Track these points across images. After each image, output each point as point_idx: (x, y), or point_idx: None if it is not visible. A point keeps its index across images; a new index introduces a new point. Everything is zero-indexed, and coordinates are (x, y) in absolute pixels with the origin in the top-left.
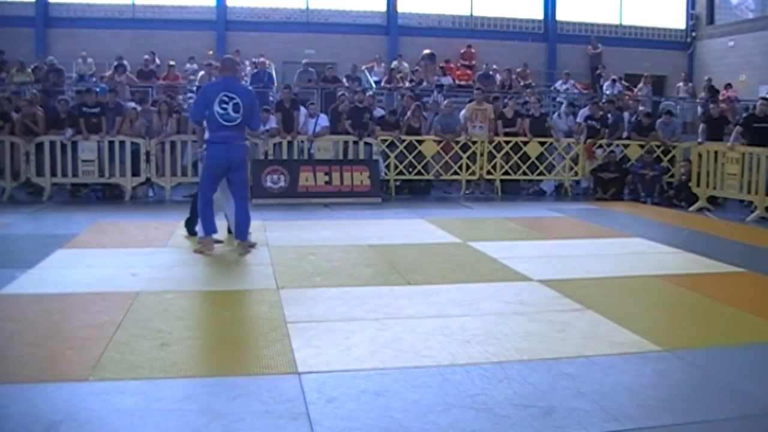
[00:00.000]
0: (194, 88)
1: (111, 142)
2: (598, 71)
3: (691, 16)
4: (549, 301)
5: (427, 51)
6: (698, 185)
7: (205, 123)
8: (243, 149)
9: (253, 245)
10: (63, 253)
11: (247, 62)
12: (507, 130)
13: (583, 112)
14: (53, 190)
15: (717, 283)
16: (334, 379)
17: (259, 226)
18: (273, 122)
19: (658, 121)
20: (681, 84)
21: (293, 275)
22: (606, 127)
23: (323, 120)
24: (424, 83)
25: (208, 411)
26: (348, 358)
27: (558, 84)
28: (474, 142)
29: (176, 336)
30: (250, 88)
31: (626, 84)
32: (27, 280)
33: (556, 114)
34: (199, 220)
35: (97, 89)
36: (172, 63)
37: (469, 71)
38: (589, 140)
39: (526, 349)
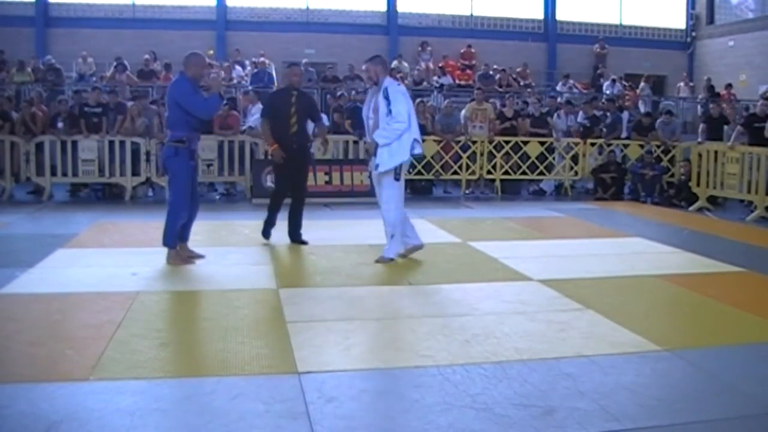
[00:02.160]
0: None
1: (111, 142)
2: (599, 71)
3: (691, 16)
4: (549, 301)
5: (419, 48)
6: (698, 185)
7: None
8: (164, 150)
9: (190, 258)
10: (63, 252)
11: (247, 62)
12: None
13: (583, 113)
14: (53, 189)
15: (717, 283)
16: (334, 379)
17: (259, 226)
18: None
19: (658, 121)
20: (682, 84)
21: (293, 275)
22: (598, 127)
23: (323, 119)
24: (425, 83)
25: (208, 411)
26: (348, 358)
27: (558, 86)
28: (474, 142)
29: (176, 336)
30: (183, 82)
31: (626, 84)
32: (27, 279)
33: (556, 114)
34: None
35: (105, 89)
36: (167, 62)
37: (469, 71)
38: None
39: (526, 349)
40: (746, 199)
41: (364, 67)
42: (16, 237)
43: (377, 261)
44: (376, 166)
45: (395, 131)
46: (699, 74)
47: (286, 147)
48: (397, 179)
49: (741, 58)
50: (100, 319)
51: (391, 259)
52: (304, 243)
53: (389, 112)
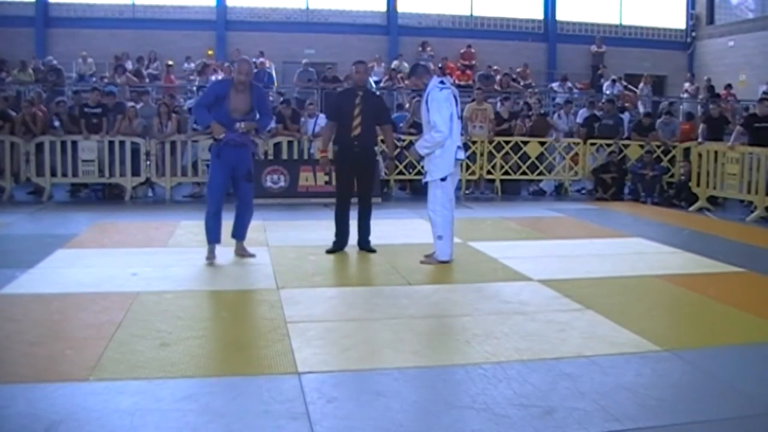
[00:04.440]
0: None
1: (111, 142)
2: (599, 71)
3: (691, 16)
4: (549, 301)
5: (419, 48)
6: (698, 185)
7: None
8: None
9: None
10: (63, 253)
11: None
12: (499, 129)
13: (582, 113)
14: (53, 189)
15: (717, 283)
16: (334, 379)
17: (259, 226)
18: (273, 122)
19: (658, 121)
20: (687, 84)
21: (293, 275)
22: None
23: (322, 120)
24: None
25: (208, 411)
26: (348, 358)
27: (555, 85)
28: (474, 142)
29: (176, 336)
30: (216, 83)
31: (626, 84)
32: (27, 280)
33: (555, 114)
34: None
35: (106, 90)
36: (170, 63)
37: (469, 71)
38: None
39: (526, 349)
40: (746, 199)
41: (409, 83)
42: (16, 237)
43: (425, 262)
44: (424, 176)
45: (435, 142)
46: (699, 74)
47: (347, 150)
48: (442, 180)
49: (741, 58)
50: (100, 319)
51: (444, 262)
52: (372, 251)
53: (429, 121)
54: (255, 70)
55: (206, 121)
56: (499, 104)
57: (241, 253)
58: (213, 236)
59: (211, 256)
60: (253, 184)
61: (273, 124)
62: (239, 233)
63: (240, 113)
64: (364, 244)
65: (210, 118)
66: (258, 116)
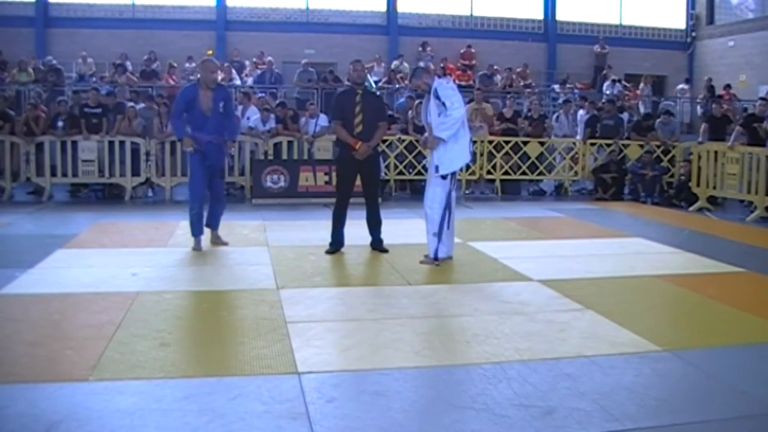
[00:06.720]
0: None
1: (111, 142)
2: (604, 72)
3: (691, 16)
4: (549, 301)
5: (420, 48)
6: (698, 185)
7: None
8: None
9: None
10: (63, 253)
11: (247, 62)
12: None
13: (583, 114)
14: (53, 189)
15: (717, 283)
16: (334, 379)
17: (259, 226)
18: (273, 122)
19: (657, 120)
20: (683, 85)
21: (293, 275)
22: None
23: (323, 120)
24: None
25: (208, 411)
26: (348, 358)
27: (556, 87)
28: (474, 142)
29: (176, 336)
30: (185, 90)
31: (626, 84)
32: (27, 280)
33: (555, 115)
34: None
35: (104, 90)
36: (174, 63)
37: (469, 71)
38: None
39: (526, 349)
40: (746, 199)
41: (411, 85)
42: (16, 237)
43: (424, 262)
44: (436, 168)
45: (455, 119)
46: (699, 74)
47: (349, 150)
48: (444, 177)
49: (741, 58)
50: (100, 319)
51: (440, 260)
52: (384, 251)
53: (444, 107)
54: (259, 71)
55: (180, 134)
56: (501, 103)
57: (215, 241)
58: (198, 231)
59: (197, 246)
60: (224, 180)
61: (273, 124)
62: (214, 223)
63: (209, 111)
64: (377, 245)
65: (183, 131)
66: (226, 121)
